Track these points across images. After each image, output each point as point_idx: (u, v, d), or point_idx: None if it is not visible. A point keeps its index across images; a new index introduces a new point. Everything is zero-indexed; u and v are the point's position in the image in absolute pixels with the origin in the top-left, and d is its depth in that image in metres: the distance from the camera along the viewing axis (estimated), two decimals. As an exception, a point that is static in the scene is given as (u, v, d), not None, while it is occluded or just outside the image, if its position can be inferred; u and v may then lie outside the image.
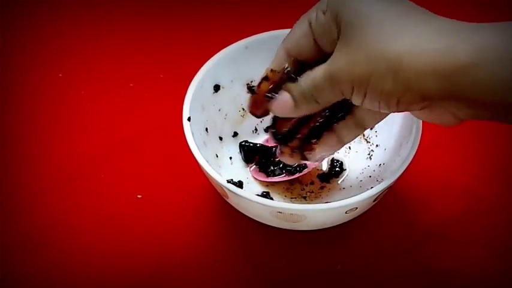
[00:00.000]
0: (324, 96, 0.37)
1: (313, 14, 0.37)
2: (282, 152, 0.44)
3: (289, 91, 0.39)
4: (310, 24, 0.37)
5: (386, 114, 0.40)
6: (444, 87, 0.31)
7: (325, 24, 0.36)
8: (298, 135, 0.43)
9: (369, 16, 0.33)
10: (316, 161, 0.45)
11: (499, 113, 0.31)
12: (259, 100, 0.43)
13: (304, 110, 0.39)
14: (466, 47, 0.30)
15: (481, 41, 0.30)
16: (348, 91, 0.35)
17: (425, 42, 0.31)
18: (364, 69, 0.33)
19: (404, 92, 0.32)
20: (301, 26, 0.38)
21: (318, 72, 0.36)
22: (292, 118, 0.42)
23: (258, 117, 0.44)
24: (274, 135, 0.44)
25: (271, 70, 0.41)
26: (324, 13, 0.36)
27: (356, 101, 0.35)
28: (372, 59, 0.33)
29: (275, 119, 0.43)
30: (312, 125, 0.42)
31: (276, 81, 0.41)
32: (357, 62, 0.34)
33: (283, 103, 0.39)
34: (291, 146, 0.43)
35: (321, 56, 0.39)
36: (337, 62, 0.35)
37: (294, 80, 0.39)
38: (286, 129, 0.43)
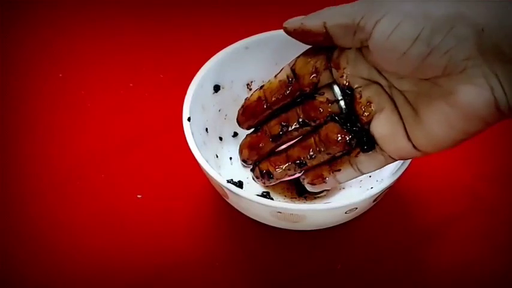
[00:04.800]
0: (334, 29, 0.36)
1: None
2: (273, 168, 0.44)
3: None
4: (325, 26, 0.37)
5: (385, 163, 0.40)
6: (504, 25, 0.30)
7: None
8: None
9: None
10: (312, 190, 0.45)
11: None
12: (247, 109, 0.43)
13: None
14: None
15: None
16: (375, 9, 0.33)
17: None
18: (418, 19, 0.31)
19: (461, 20, 0.31)
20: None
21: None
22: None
23: (243, 127, 0.44)
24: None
25: (269, 81, 0.41)
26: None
27: (387, 25, 0.32)
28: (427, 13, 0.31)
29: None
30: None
31: (273, 91, 0.41)
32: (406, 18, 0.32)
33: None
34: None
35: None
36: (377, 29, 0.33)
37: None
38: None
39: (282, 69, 0.42)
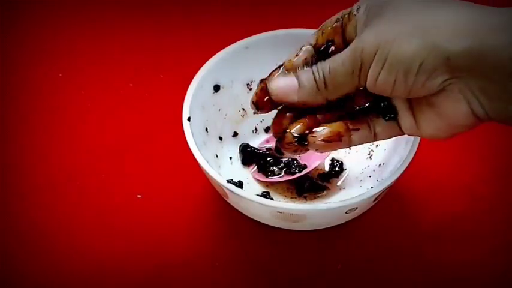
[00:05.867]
0: (337, 79, 0.36)
1: (346, 12, 0.38)
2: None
3: (297, 76, 0.38)
4: (342, 20, 0.38)
5: (398, 133, 0.40)
6: (471, 48, 0.31)
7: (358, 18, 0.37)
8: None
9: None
10: (317, 152, 0.41)
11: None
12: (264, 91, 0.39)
13: (306, 96, 0.38)
14: (494, 15, 0.31)
15: (508, 13, 0.31)
16: (368, 59, 0.34)
17: (458, 14, 0.32)
18: (390, 31, 0.33)
19: (429, 52, 0.32)
20: (331, 22, 0.39)
21: (340, 54, 0.36)
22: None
23: (258, 110, 0.40)
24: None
25: (289, 60, 0.40)
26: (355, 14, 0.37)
27: (372, 74, 0.34)
28: (400, 22, 0.33)
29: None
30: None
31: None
32: (383, 28, 0.34)
33: (285, 83, 0.38)
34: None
35: None
36: (362, 35, 0.35)
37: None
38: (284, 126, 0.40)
39: (300, 50, 0.39)
